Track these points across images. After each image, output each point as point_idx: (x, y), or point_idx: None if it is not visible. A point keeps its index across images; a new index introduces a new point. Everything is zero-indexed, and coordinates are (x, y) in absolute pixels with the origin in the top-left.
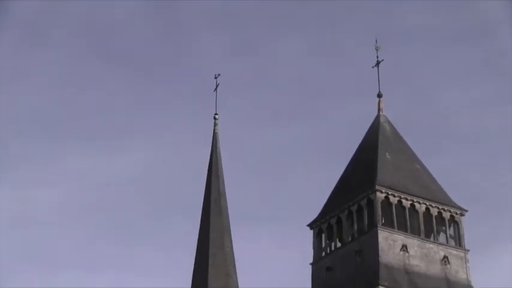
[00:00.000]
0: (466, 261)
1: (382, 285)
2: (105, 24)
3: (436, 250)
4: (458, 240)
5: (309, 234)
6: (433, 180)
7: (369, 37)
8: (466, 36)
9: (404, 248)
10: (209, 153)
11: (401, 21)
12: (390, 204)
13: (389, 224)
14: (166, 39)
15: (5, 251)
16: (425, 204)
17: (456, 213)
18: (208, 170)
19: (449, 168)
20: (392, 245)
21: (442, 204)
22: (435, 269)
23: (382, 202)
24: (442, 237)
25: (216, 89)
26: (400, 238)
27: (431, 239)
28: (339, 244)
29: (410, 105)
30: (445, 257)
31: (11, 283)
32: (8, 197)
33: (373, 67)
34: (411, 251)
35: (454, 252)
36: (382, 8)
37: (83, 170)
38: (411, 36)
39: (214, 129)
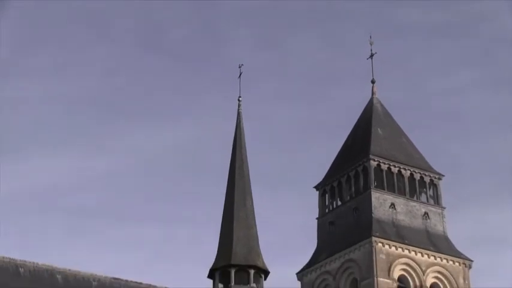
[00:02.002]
0: (443, 216)
1: (374, 236)
2: (152, 21)
3: (418, 207)
4: (436, 200)
5: (315, 194)
6: (417, 150)
7: (365, 33)
8: (449, 31)
9: (392, 205)
10: (234, 129)
11: (393, 18)
12: (381, 170)
13: (380, 186)
14: (203, 35)
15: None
16: (409, 170)
17: (435, 178)
18: (233, 143)
19: (430, 141)
20: (382, 203)
21: (423, 170)
22: (417, 223)
23: (375, 168)
24: (423, 197)
25: (239, 76)
26: (389, 198)
27: (415, 198)
28: (339, 202)
29: (398, 90)
30: (425, 213)
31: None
32: (69, 165)
33: (367, 59)
34: (398, 208)
35: (433, 209)
36: (376, 8)
37: (135, 142)
38: (401, 32)
39: (238, 109)
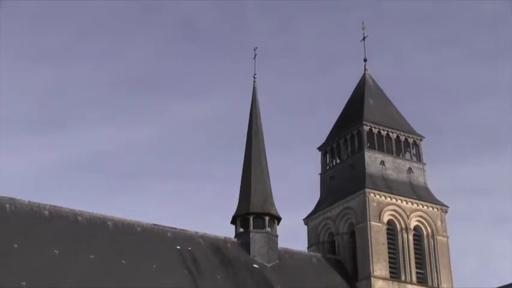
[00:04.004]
0: (424, 171)
1: (367, 187)
2: (183, 11)
3: (404, 164)
4: (418, 157)
5: (318, 154)
6: (402, 117)
7: (358, 20)
8: (431, 16)
9: (382, 162)
10: (250, 101)
11: (382, 7)
12: (373, 133)
13: (372, 147)
14: (227, 21)
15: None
16: (396, 133)
17: (417, 139)
18: (250, 112)
19: (413, 109)
20: (374, 161)
21: (407, 133)
22: (403, 176)
23: (367, 132)
24: (407, 155)
25: (254, 57)
26: (379, 156)
27: (400, 156)
28: (338, 161)
29: (386, 67)
30: (409, 168)
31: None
32: (116, 134)
33: (360, 41)
34: (387, 165)
35: (416, 165)
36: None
37: (170, 114)
38: (389, 19)
39: (254, 85)
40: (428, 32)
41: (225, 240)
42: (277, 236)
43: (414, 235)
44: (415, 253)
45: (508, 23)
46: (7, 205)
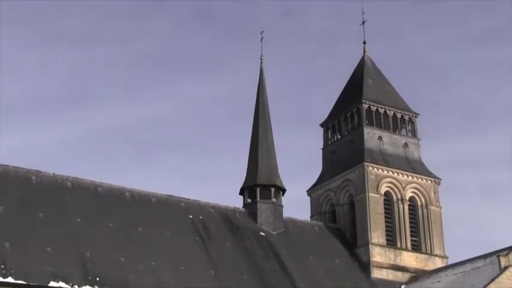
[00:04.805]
0: (419, 146)
1: (366, 161)
2: None
3: (400, 139)
4: (413, 133)
5: (321, 130)
6: (398, 95)
7: (358, 5)
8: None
9: (380, 138)
10: (258, 80)
11: None
12: (371, 111)
13: (370, 124)
14: (235, 7)
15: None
16: (393, 110)
17: (412, 116)
18: (257, 90)
19: (409, 88)
20: (372, 136)
21: (403, 110)
22: (399, 151)
23: (366, 110)
24: (403, 131)
25: (261, 40)
26: (377, 132)
27: (397, 132)
28: (339, 136)
29: (384, 49)
30: (405, 143)
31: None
32: (135, 109)
33: (360, 25)
34: (384, 140)
35: (411, 140)
36: None
37: (185, 91)
38: (387, 2)
39: (260, 65)
40: (424, 14)
41: (234, 210)
42: (282, 206)
43: (409, 205)
44: (410, 222)
45: (500, 5)
46: (33, 177)
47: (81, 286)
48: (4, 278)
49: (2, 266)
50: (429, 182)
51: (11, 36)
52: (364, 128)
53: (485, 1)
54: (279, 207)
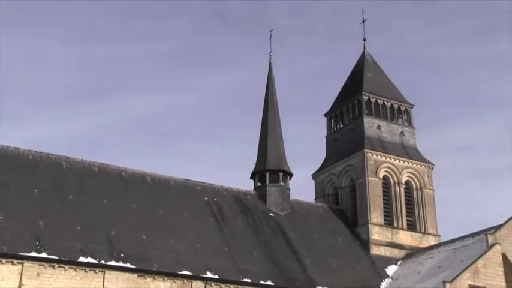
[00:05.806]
0: (414, 134)
1: (366, 148)
2: None
3: (397, 128)
4: (409, 122)
5: (325, 120)
6: (396, 88)
7: (358, 5)
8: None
9: (378, 127)
10: (267, 74)
11: None
12: (370, 102)
13: (370, 114)
14: (248, 8)
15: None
16: (390, 101)
17: (408, 107)
18: (267, 83)
19: (405, 81)
20: (371, 125)
21: (400, 101)
22: (396, 139)
23: (366, 101)
24: (400, 121)
25: (270, 37)
26: (376, 121)
27: (394, 121)
28: (341, 125)
29: (382, 45)
30: (401, 132)
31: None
32: (157, 100)
33: (360, 23)
34: (382, 129)
35: (407, 129)
36: None
37: (201, 84)
38: (386, 2)
39: (269, 61)
40: (419, 13)
41: (245, 193)
42: (289, 189)
43: (405, 188)
44: (406, 204)
45: (490, 4)
46: (63, 162)
47: (107, 261)
48: (39, 253)
49: (37, 243)
50: (423, 167)
51: (49, 34)
52: (364, 118)
53: (475, 0)
54: (286, 190)
